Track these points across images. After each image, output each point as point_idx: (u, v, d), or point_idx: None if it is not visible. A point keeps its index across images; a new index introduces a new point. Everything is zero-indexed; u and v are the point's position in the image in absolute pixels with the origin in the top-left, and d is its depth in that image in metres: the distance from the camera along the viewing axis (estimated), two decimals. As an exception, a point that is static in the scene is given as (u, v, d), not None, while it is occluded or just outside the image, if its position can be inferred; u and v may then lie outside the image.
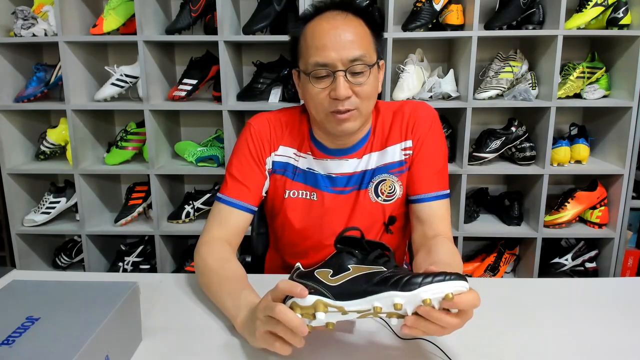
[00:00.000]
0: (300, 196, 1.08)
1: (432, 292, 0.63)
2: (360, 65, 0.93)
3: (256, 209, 1.07)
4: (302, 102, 1.07)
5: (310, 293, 0.66)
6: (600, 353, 0.77)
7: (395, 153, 1.06)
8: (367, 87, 0.95)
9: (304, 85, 0.99)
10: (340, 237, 0.73)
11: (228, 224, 1.03)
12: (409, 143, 1.05)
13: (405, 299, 0.64)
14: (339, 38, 0.92)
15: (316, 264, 0.74)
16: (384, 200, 1.06)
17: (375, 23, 0.99)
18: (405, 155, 1.06)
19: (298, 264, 0.74)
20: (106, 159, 2.11)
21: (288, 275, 0.75)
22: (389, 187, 1.05)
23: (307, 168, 1.08)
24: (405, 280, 0.64)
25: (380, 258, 0.71)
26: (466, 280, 0.64)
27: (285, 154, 1.08)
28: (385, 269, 0.67)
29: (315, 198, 1.07)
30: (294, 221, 1.08)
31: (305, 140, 1.08)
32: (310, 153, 1.08)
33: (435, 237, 1.00)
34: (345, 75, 0.93)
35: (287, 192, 1.08)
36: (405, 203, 1.09)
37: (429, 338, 0.78)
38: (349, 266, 0.69)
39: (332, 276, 0.69)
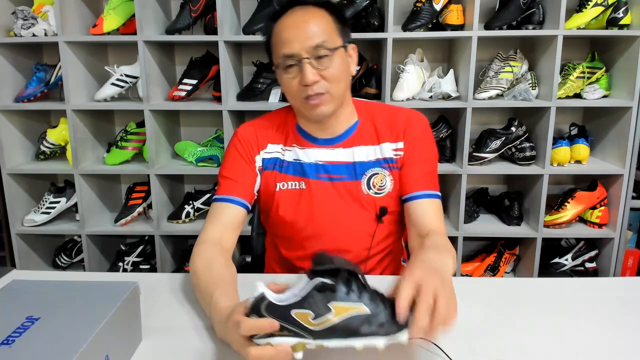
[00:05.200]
0: (289, 187, 1.11)
1: (412, 334, 0.65)
2: (323, 50, 0.99)
3: (250, 205, 1.10)
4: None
5: (287, 335, 0.64)
6: (600, 353, 0.77)
7: (386, 150, 1.10)
8: (333, 69, 1.00)
9: (279, 78, 1.05)
10: (316, 262, 0.67)
11: (222, 220, 1.05)
12: (401, 144, 1.10)
13: (387, 341, 0.65)
14: (301, 29, 0.99)
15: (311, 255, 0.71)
16: (376, 193, 1.10)
17: (338, 11, 1.06)
18: (396, 155, 1.10)
19: (262, 291, 0.65)
20: (106, 159, 2.11)
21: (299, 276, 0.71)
22: (381, 180, 1.10)
23: (294, 159, 1.12)
24: (388, 327, 0.65)
25: (356, 284, 0.66)
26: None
27: (273, 150, 1.13)
28: (366, 310, 0.64)
29: (303, 187, 1.10)
30: (286, 212, 1.11)
31: (291, 134, 1.13)
32: (295, 145, 1.12)
33: (428, 233, 1.02)
34: (310, 62, 0.99)
35: (278, 185, 1.11)
36: (400, 204, 1.11)
37: (429, 338, 0.78)
38: (330, 306, 0.64)
39: (313, 319, 0.64)
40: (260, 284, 0.66)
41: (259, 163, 1.12)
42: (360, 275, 0.67)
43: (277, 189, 1.11)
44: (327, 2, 1.05)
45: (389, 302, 0.66)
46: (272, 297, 0.65)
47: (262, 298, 0.64)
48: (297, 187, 1.11)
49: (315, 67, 0.99)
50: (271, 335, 0.64)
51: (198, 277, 0.91)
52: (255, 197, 1.14)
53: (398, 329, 0.65)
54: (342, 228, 1.10)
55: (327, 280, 0.65)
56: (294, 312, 0.64)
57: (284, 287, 0.70)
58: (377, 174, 1.10)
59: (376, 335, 0.65)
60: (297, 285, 0.67)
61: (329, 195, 1.10)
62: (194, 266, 0.95)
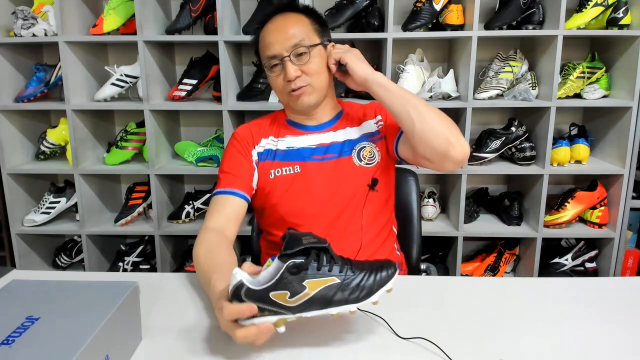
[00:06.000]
0: (284, 173, 1.17)
1: (379, 295, 0.75)
2: (301, 48, 1.11)
3: (249, 198, 1.16)
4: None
5: (268, 314, 0.71)
6: (600, 353, 0.77)
7: (370, 126, 1.23)
8: (312, 65, 1.12)
9: (268, 78, 1.18)
10: (286, 243, 0.73)
11: (223, 211, 1.11)
12: (379, 117, 1.24)
13: (359, 305, 0.74)
14: (281, 32, 1.12)
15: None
16: (366, 164, 1.18)
17: (313, 13, 1.19)
18: (378, 125, 1.23)
19: (240, 279, 0.71)
20: (106, 159, 2.11)
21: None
22: (369, 152, 1.19)
23: (287, 147, 1.20)
24: (357, 294, 0.73)
25: (325, 257, 0.74)
26: (395, 269, 0.77)
27: (266, 143, 1.22)
28: (337, 279, 0.73)
29: (298, 170, 1.17)
30: (282, 198, 1.16)
31: (282, 127, 1.23)
32: (288, 135, 1.21)
33: None
34: (290, 59, 1.10)
35: (272, 172, 1.17)
36: (395, 147, 1.19)
37: (429, 337, 0.78)
38: (304, 284, 0.71)
39: (290, 298, 0.71)
40: (237, 271, 0.72)
41: (255, 157, 1.19)
42: (328, 249, 0.75)
43: (272, 176, 1.17)
44: (306, 7, 1.19)
45: (358, 267, 0.75)
46: (250, 282, 0.71)
47: (240, 285, 0.71)
48: (292, 171, 1.17)
49: (295, 63, 1.11)
50: (254, 316, 0.71)
51: (200, 263, 0.96)
52: (254, 191, 1.19)
53: (370, 294, 0.74)
54: (337, 202, 1.15)
55: (298, 260, 0.72)
56: (272, 294, 0.70)
57: (259, 268, 0.77)
58: (365, 146, 1.19)
59: (348, 303, 0.73)
60: (271, 266, 0.74)
61: (323, 173, 1.16)
62: (196, 252, 0.99)
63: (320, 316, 0.73)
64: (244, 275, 0.72)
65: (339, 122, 1.23)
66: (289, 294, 0.70)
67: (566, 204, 2.05)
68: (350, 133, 1.21)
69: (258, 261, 1.36)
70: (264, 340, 0.72)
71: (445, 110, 2.12)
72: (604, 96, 2.00)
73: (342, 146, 1.19)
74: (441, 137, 1.04)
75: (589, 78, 1.98)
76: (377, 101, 1.13)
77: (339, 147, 1.19)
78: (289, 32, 1.11)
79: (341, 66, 1.14)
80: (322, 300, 0.72)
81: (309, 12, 1.18)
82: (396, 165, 1.28)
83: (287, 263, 0.71)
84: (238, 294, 0.70)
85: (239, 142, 1.20)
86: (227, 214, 1.10)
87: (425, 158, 1.09)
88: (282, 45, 1.10)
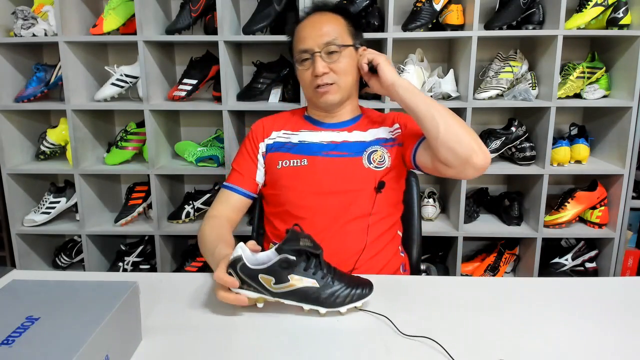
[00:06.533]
0: (291, 165, 1.21)
1: (347, 308, 0.85)
2: (333, 46, 1.16)
3: (252, 194, 1.26)
4: (301, 103, 1.28)
5: (253, 290, 0.85)
6: (600, 353, 0.77)
7: (385, 132, 1.26)
8: (342, 64, 1.17)
9: (297, 71, 1.23)
10: (287, 238, 0.85)
11: (228, 204, 1.23)
12: (397, 126, 1.27)
13: (326, 310, 0.85)
14: (316, 29, 1.17)
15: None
16: (375, 167, 1.20)
17: (350, 15, 1.25)
18: (394, 134, 1.26)
19: (240, 253, 0.84)
20: (106, 159, 2.11)
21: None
22: (380, 156, 1.21)
23: (299, 141, 1.25)
24: (330, 300, 0.85)
25: (314, 262, 0.85)
26: (371, 291, 0.88)
27: (276, 136, 1.27)
28: (317, 284, 0.84)
29: (305, 163, 1.20)
30: (289, 189, 1.19)
31: (299, 122, 1.29)
32: (303, 130, 1.26)
33: None
34: (321, 55, 1.16)
35: (280, 162, 1.22)
36: (397, 182, 1.23)
37: (431, 336, 0.79)
38: (289, 278, 0.83)
39: (274, 284, 0.83)
40: (241, 245, 0.86)
41: (262, 149, 1.26)
42: (319, 256, 0.85)
43: (279, 166, 1.21)
44: (344, 8, 1.25)
45: (339, 279, 0.86)
46: (248, 259, 0.85)
47: (239, 259, 0.84)
48: (299, 164, 1.20)
49: (325, 60, 1.16)
50: (241, 287, 0.84)
51: (206, 236, 1.10)
52: (260, 185, 1.27)
53: (340, 304, 0.85)
54: (342, 200, 1.16)
55: (291, 257, 0.83)
56: (260, 276, 0.83)
57: (260, 248, 0.91)
58: (377, 150, 1.22)
59: (320, 305, 0.85)
60: (269, 252, 0.87)
61: (331, 169, 1.18)
62: (202, 229, 1.14)
63: (293, 306, 0.86)
64: (245, 251, 0.85)
65: (355, 125, 1.26)
66: (274, 280, 0.83)
67: (566, 204, 2.05)
68: (364, 136, 1.24)
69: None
70: (238, 305, 0.86)
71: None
72: (604, 96, 2.00)
73: (354, 146, 1.22)
74: (465, 142, 1.05)
75: (589, 78, 1.98)
76: (401, 106, 1.15)
77: (350, 147, 1.22)
78: (323, 29, 1.16)
79: (370, 67, 1.18)
80: (300, 295, 0.84)
81: (346, 14, 1.23)
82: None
83: (280, 257, 0.83)
84: (235, 265, 0.84)
85: (249, 140, 1.28)
86: (230, 206, 1.23)
87: (446, 164, 1.09)
88: (315, 41, 1.16)
